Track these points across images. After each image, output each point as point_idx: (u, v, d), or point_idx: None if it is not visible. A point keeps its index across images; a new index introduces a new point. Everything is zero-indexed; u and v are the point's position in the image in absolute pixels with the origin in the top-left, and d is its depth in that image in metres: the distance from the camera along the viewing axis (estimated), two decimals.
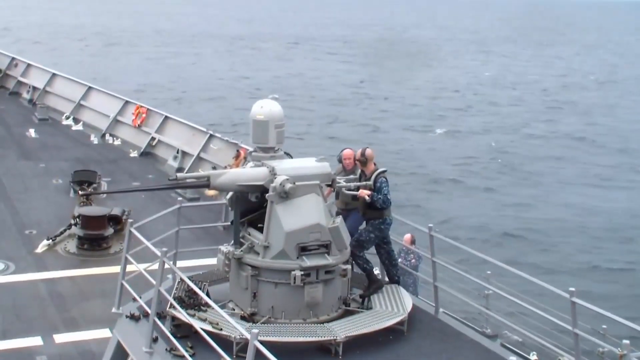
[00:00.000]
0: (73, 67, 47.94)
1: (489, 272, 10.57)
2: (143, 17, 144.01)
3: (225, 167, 16.95)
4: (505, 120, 53.46)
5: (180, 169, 21.04)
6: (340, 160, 10.41)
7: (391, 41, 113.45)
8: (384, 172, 9.87)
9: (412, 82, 69.39)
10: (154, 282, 8.61)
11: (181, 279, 9.18)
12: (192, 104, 52.72)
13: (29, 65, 32.17)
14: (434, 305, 9.95)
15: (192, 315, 8.64)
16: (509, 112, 56.83)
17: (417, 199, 32.67)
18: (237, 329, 7.82)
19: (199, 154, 21.38)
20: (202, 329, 7.97)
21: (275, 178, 8.87)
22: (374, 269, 10.20)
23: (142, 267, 9.19)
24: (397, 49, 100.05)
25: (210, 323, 8.50)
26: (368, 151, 9.93)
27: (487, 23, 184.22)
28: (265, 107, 9.45)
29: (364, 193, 9.64)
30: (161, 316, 8.81)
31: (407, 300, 9.59)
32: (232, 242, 9.24)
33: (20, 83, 31.82)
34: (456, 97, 63.32)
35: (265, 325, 8.72)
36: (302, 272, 8.73)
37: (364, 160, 9.90)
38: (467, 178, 37.28)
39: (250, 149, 9.89)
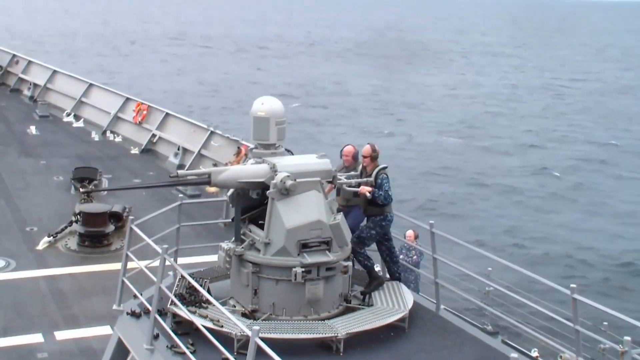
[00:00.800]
0: (94, 75, 45.90)
1: (490, 268, 10.57)
2: (149, 19, 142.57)
3: (226, 164, 16.95)
4: (532, 126, 52.40)
5: (181, 166, 21.05)
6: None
7: (403, 44, 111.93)
8: (384, 168, 9.86)
9: (431, 87, 68.44)
10: (154, 279, 8.61)
11: (182, 275, 9.17)
12: (214, 110, 51.65)
13: (29, 62, 32.19)
14: (435, 302, 9.94)
15: (193, 312, 8.64)
16: (532, 118, 55.70)
17: (448, 206, 32.62)
18: (238, 326, 7.82)
19: (199, 151, 21.38)
20: (203, 325, 7.96)
21: (276, 175, 8.86)
22: (374, 266, 10.19)
23: (143, 264, 9.19)
24: (413, 53, 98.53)
25: (211, 320, 8.50)
26: (376, 147, 9.94)
27: (492, 24, 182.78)
28: (266, 104, 9.45)
29: (365, 189, 9.64)
30: (162, 313, 8.81)
31: (408, 297, 9.59)
32: (233, 239, 9.22)
33: (21, 80, 31.85)
34: (475, 103, 61.82)
35: (266, 322, 8.72)
36: (303, 269, 8.72)
37: (375, 156, 9.91)
38: (497, 182, 37.22)
39: (251, 146, 9.87)
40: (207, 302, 8.68)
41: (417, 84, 70.34)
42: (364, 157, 9.95)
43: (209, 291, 9.17)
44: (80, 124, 26.62)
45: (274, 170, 8.93)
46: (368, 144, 10.06)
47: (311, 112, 52.74)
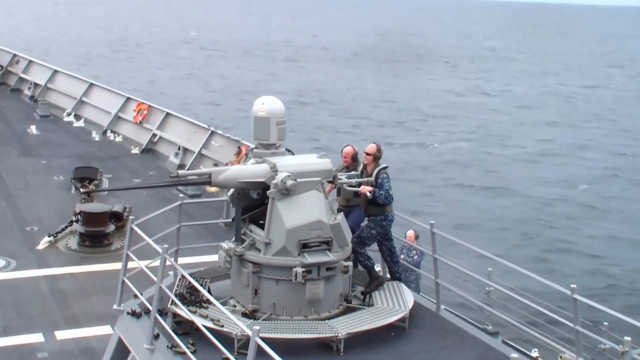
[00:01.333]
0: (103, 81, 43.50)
1: (490, 269, 10.56)
2: (153, 23, 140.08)
3: (227, 164, 16.95)
4: (544, 134, 51.18)
5: (181, 166, 21.06)
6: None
7: (410, 48, 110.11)
8: (385, 168, 9.86)
9: (442, 93, 67.07)
10: (155, 279, 8.61)
11: (182, 275, 9.17)
12: (228, 117, 48.91)
13: (30, 62, 32.20)
14: (435, 302, 9.94)
15: (194, 312, 8.64)
16: (544, 126, 54.36)
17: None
18: (239, 326, 7.82)
19: (200, 151, 21.38)
20: (203, 325, 7.96)
21: (276, 175, 8.86)
22: (375, 266, 10.19)
23: (143, 263, 9.19)
24: (420, 58, 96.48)
25: (212, 320, 8.50)
26: (381, 148, 9.98)
27: (497, 29, 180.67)
28: (267, 104, 9.45)
29: (366, 189, 9.64)
30: (162, 313, 8.81)
31: (409, 297, 9.59)
32: (234, 238, 9.22)
33: (21, 80, 31.85)
34: (487, 110, 60.13)
35: (267, 322, 8.72)
36: (304, 269, 8.72)
37: (379, 156, 9.92)
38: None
39: (252, 146, 9.88)
40: (208, 302, 8.68)
41: (430, 90, 68.77)
42: (368, 154, 9.94)
43: (209, 291, 9.18)
44: (80, 123, 26.64)
45: (274, 170, 8.93)
46: (374, 143, 10.07)
47: (323, 119, 51.70)
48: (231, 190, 9.34)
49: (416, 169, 38.98)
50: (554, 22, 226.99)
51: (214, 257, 9.78)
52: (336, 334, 8.39)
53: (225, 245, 9.17)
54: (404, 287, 9.98)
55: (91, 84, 28.29)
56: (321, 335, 8.44)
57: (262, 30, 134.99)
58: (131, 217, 10.26)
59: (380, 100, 62.09)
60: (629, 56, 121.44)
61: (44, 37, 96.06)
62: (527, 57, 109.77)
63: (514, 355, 7.73)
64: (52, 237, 15.51)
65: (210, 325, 8.30)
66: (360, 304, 9.47)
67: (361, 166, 10.08)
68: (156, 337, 8.57)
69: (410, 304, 9.37)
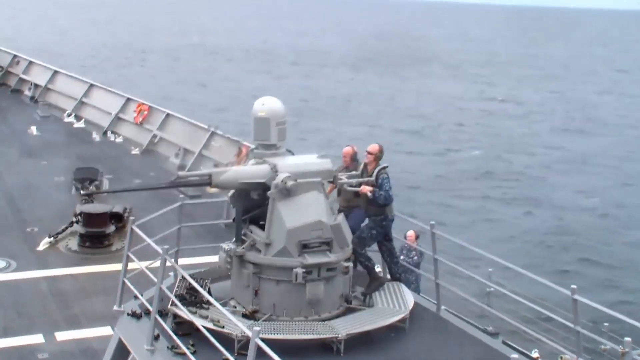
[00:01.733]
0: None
1: (490, 269, 10.58)
2: (155, 28, 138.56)
3: (227, 165, 16.94)
4: (556, 139, 50.75)
5: (182, 167, 21.05)
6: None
7: (416, 52, 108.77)
8: (385, 168, 9.87)
9: (453, 99, 66.15)
10: (155, 279, 8.61)
11: (183, 276, 9.17)
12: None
13: (30, 62, 32.20)
14: (435, 302, 9.93)
15: (194, 313, 8.64)
16: (555, 132, 53.79)
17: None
18: (239, 327, 7.82)
19: (200, 152, 21.39)
20: (203, 326, 7.96)
21: (277, 175, 8.86)
22: (375, 266, 10.19)
23: (143, 264, 9.19)
24: (425, 62, 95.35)
25: (212, 321, 8.50)
26: (383, 149, 10.00)
27: (500, 32, 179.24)
28: (267, 105, 9.45)
29: (366, 189, 9.64)
30: (163, 314, 8.81)
31: (409, 298, 9.59)
32: (234, 239, 9.22)
33: (22, 80, 31.85)
34: (495, 116, 59.37)
35: (267, 322, 8.72)
36: (304, 270, 8.72)
37: (380, 156, 9.94)
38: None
39: (252, 146, 9.88)
40: (208, 302, 8.68)
41: (435, 94, 68.20)
42: (370, 153, 9.95)
43: (209, 292, 9.17)
44: (81, 124, 26.63)
45: (274, 170, 8.92)
46: (377, 143, 10.08)
47: (328, 125, 51.10)
48: (232, 191, 9.34)
49: (428, 177, 38.77)
50: (555, 25, 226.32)
51: (214, 258, 9.78)
52: (336, 335, 8.39)
53: (226, 246, 9.17)
54: (404, 287, 9.98)
55: (91, 85, 28.29)
56: (321, 336, 8.44)
57: (264, 34, 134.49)
58: (131, 217, 10.25)
59: (388, 106, 61.58)
60: (635, 60, 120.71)
61: (46, 42, 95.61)
62: (531, 60, 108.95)
63: (514, 355, 7.73)
64: (52, 238, 15.50)
65: (211, 326, 8.30)
66: (360, 305, 9.46)
67: (361, 166, 10.08)
68: (156, 338, 8.57)
69: (411, 304, 9.37)
